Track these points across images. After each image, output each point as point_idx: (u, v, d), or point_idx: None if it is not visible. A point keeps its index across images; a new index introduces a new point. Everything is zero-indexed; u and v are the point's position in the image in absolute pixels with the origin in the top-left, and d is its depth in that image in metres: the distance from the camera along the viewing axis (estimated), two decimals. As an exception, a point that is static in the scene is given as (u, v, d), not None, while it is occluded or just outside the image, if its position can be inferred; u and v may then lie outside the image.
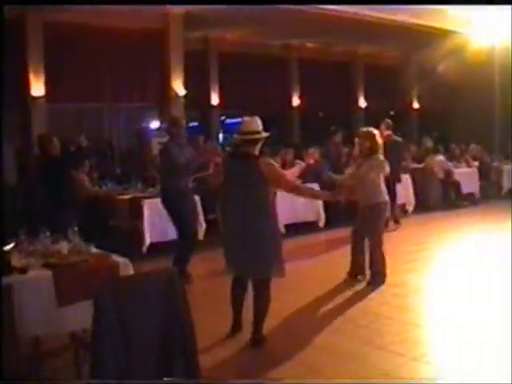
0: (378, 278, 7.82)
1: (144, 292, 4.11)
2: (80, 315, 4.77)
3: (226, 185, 5.90)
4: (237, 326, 6.08)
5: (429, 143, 15.01)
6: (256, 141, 5.78)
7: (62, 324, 4.86)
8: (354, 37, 17.35)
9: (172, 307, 4.19)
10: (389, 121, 11.84)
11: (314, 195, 6.85)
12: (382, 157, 7.79)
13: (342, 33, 16.41)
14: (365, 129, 8.07)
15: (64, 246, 5.22)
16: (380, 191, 7.78)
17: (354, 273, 8.06)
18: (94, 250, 5.41)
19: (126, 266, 5.11)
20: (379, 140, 7.80)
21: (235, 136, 6.03)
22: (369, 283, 7.81)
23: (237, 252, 5.82)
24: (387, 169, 7.85)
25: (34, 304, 4.67)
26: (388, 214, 8.08)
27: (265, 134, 5.86)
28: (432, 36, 16.09)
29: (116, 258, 5.25)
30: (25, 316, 4.56)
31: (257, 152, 5.81)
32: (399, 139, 12.12)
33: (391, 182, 10.53)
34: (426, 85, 21.08)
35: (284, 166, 8.53)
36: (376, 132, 7.85)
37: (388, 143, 9.87)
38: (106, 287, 4.04)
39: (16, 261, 4.86)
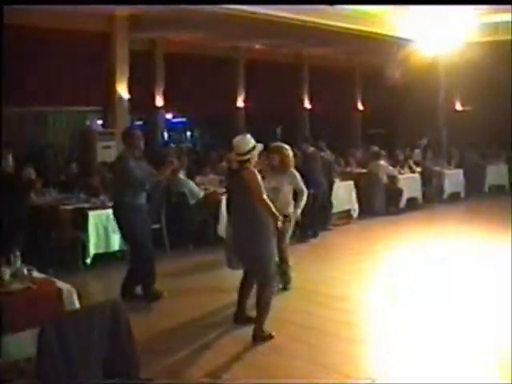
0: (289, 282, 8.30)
1: (88, 325, 4.12)
2: (23, 344, 4.75)
3: (229, 194, 7.04)
4: (239, 316, 6.83)
5: (374, 149, 15.15)
6: (247, 159, 6.37)
7: (3, 353, 4.80)
8: (300, 40, 17.50)
9: (116, 338, 4.22)
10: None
11: (271, 213, 6.98)
12: (294, 171, 8.22)
13: (288, 36, 16.55)
14: (277, 144, 8.38)
15: (6, 272, 5.14)
16: (290, 203, 8.05)
17: None
18: (36, 274, 5.35)
19: (69, 293, 5.07)
20: (290, 154, 8.14)
21: (234, 156, 6.56)
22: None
23: (239, 251, 6.58)
24: (299, 183, 8.15)
25: (-25, 333, 4.60)
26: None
27: (257, 150, 6.46)
28: (376, 40, 16.28)
29: (60, 284, 5.21)
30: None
31: (250, 164, 6.40)
32: (324, 154, 12.87)
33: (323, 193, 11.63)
34: (370, 87, 21.36)
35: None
36: (287, 147, 8.14)
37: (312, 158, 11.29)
38: (50, 322, 4.02)
39: (-43, 288, 4.78)
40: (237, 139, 6.46)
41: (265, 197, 6.38)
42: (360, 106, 22.59)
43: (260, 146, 6.54)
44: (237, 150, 6.42)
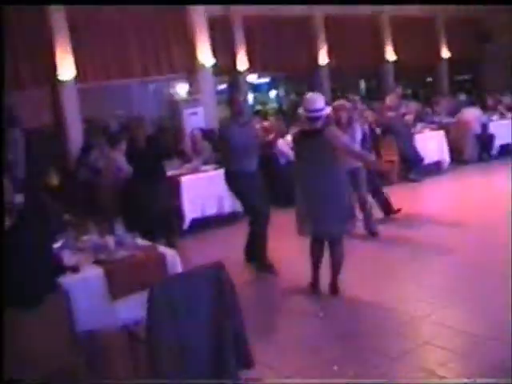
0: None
1: (194, 288, 4.24)
2: (131, 308, 4.95)
3: (301, 158, 6.72)
4: (315, 284, 6.86)
5: (462, 96, 14.80)
6: (320, 117, 6.47)
7: (114, 318, 5.04)
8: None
9: (221, 301, 4.32)
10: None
11: (369, 160, 7.52)
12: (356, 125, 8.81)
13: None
14: (340, 101, 8.88)
15: (111, 241, 5.36)
16: None
17: None
18: (139, 241, 5.56)
19: (172, 258, 5.26)
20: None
21: (301, 112, 6.63)
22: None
23: (316, 216, 6.54)
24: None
25: (88, 300, 4.84)
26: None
27: (326, 110, 6.63)
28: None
29: (162, 249, 5.39)
30: (79, 313, 4.72)
31: (320, 124, 6.49)
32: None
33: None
34: (455, 34, 20.76)
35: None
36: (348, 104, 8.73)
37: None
38: (158, 285, 4.17)
39: (67, 259, 5.02)
40: (309, 95, 6.63)
41: (352, 147, 6.83)
42: (445, 53, 21.95)
43: (328, 109, 6.83)
44: (311, 106, 6.47)
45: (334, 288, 6.68)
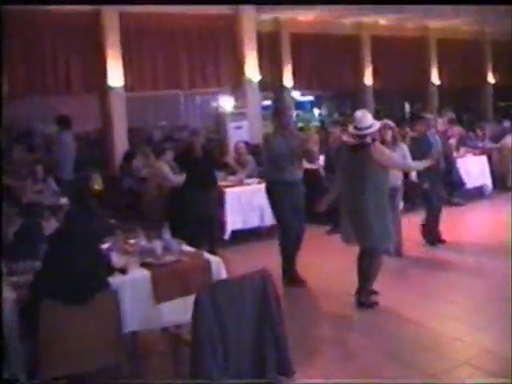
0: None
1: (240, 294, 4.34)
2: (174, 311, 5.10)
3: (344, 171, 6.82)
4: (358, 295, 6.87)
5: (506, 122, 14.72)
6: (368, 134, 6.62)
7: (158, 320, 5.16)
8: (425, 12, 17.20)
9: (265, 308, 4.41)
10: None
11: (419, 167, 7.88)
12: (404, 145, 8.85)
13: (413, 9, 16.30)
14: (387, 121, 8.88)
15: (158, 245, 5.49)
16: (400, 177, 8.64)
17: None
18: (185, 248, 5.68)
19: (217, 265, 5.36)
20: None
21: (351, 129, 6.80)
22: None
23: (357, 228, 6.66)
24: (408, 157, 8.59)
25: (134, 302, 4.96)
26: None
27: (376, 127, 6.75)
28: (506, 9, 15.74)
29: (208, 256, 5.50)
30: (125, 313, 4.83)
31: (369, 140, 6.64)
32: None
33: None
34: (501, 59, 20.68)
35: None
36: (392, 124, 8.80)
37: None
38: (205, 290, 4.26)
39: (116, 260, 5.15)
40: (358, 113, 6.71)
41: (408, 163, 7.36)
42: (491, 79, 21.86)
43: (378, 124, 6.86)
44: (358, 124, 6.62)
45: (361, 300, 6.82)
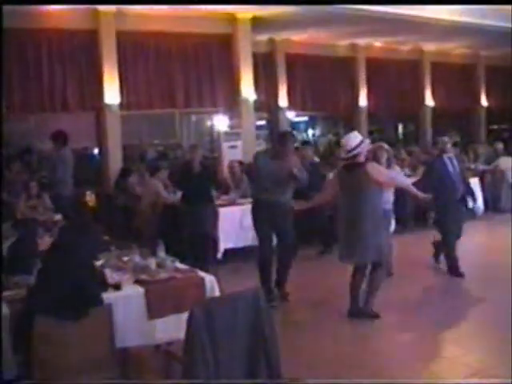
0: None
1: (233, 312, 4.35)
2: (167, 328, 5.15)
3: (342, 193, 7.00)
4: (354, 310, 7.07)
5: (499, 145, 14.86)
6: (358, 154, 6.74)
7: (151, 337, 5.18)
8: (420, 36, 17.43)
9: (258, 324, 4.42)
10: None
11: (416, 194, 7.70)
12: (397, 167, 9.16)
13: (408, 32, 16.53)
14: (381, 143, 8.85)
15: (152, 262, 5.52)
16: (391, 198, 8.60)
17: None
18: (179, 265, 5.71)
19: (210, 282, 5.39)
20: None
21: (342, 153, 7.05)
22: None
23: (354, 244, 6.84)
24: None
25: (127, 318, 4.98)
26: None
27: (365, 144, 6.88)
28: (499, 34, 15.96)
29: (202, 274, 5.53)
30: (118, 329, 4.84)
31: (362, 159, 6.81)
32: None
33: None
34: (495, 83, 20.87)
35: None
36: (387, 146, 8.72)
37: None
38: (198, 306, 4.28)
39: (110, 277, 5.18)
40: (343, 140, 6.97)
41: (407, 181, 7.25)
42: (484, 102, 22.04)
43: (367, 142, 7.00)
44: (344, 147, 6.83)
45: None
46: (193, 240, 8.67)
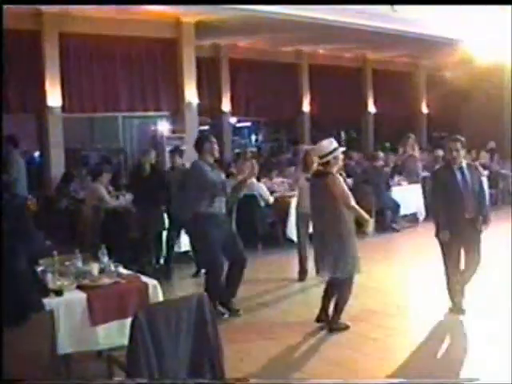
0: None
1: (177, 317, 4.34)
2: (110, 334, 5.11)
3: (311, 201, 7.01)
4: (323, 317, 6.96)
5: (439, 152, 15.10)
6: (328, 161, 6.60)
7: (94, 342, 5.13)
8: (363, 44, 17.67)
9: (202, 329, 4.42)
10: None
11: (363, 217, 6.92)
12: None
13: (351, 40, 16.73)
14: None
15: (94, 267, 5.46)
16: None
17: None
18: (122, 270, 5.65)
19: (154, 288, 5.36)
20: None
21: (315, 158, 7.20)
22: None
23: (320, 257, 6.78)
24: None
25: (69, 324, 4.93)
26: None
27: (338, 153, 6.67)
28: (440, 44, 16.29)
29: (145, 279, 5.49)
30: (60, 335, 4.78)
31: (331, 168, 6.63)
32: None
33: None
34: (434, 91, 21.26)
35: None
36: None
37: None
38: (142, 311, 4.26)
39: (51, 282, 5.10)
40: (322, 142, 6.75)
41: (353, 203, 6.62)
42: (424, 109, 22.47)
43: (341, 150, 6.80)
44: (317, 153, 6.79)
45: (331, 326, 6.84)
46: (143, 242, 8.70)
